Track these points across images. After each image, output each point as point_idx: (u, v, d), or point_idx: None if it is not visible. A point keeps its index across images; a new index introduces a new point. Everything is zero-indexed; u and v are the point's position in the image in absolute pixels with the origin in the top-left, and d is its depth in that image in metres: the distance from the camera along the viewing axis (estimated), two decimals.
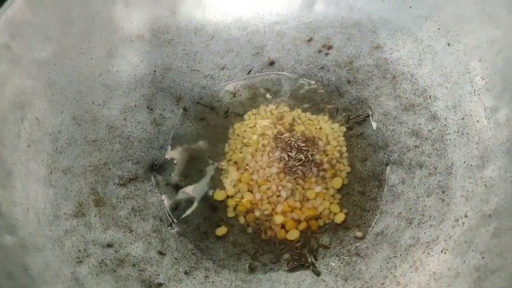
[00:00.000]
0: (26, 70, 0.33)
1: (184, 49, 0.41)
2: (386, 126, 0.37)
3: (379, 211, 0.33)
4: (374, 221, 0.33)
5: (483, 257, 0.26)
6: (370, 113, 0.38)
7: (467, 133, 0.33)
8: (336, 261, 0.31)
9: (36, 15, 0.33)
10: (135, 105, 0.39)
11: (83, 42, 0.37)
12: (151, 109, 0.39)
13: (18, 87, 0.32)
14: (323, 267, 0.31)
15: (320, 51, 0.41)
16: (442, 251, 0.29)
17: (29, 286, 0.26)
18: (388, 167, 0.35)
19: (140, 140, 0.37)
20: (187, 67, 0.41)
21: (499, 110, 0.31)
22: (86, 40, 0.37)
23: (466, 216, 0.29)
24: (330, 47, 0.41)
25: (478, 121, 0.32)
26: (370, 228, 0.32)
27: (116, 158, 0.36)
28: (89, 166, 0.35)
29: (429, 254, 0.29)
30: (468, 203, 0.30)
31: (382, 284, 0.29)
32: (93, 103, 0.37)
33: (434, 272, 0.27)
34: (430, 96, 0.36)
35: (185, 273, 0.31)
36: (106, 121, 0.37)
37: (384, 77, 0.39)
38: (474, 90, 0.33)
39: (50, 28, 0.35)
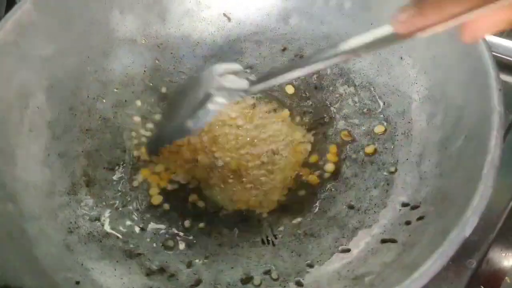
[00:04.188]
0: (31, 65, 0.38)
1: (171, 53, 0.46)
2: (346, 128, 0.42)
3: (334, 199, 0.38)
4: (328, 207, 0.38)
5: (409, 235, 0.31)
6: (333, 115, 0.43)
7: (411, 135, 0.38)
8: (292, 240, 0.36)
9: (41, 17, 0.38)
10: (126, 100, 0.43)
11: (82, 43, 0.42)
12: (140, 104, 0.44)
13: (23, 79, 0.37)
14: (281, 244, 0.36)
15: (292, 60, 0.46)
16: (380, 233, 0.34)
17: (26, 246, 0.31)
18: (344, 162, 0.40)
19: (129, 131, 0.42)
20: (174, 68, 0.46)
21: (436, 115, 0.36)
22: (84, 41, 0.42)
23: (402, 203, 0.34)
24: (301, 57, 0.46)
25: (420, 124, 0.38)
26: (324, 213, 0.37)
27: (107, 146, 0.41)
28: (82, 151, 0.40)
29: (370, 234, 0.34)
30: (406, 193, 0.35)
31: (329, 259, 0.34)
32: (88, 96, 0.42)
33: (372, 249, 0.33)
34: (384, 102, 0.41)
35: (162, 245, 0.36)
36: (99, 113, 0.42)
37: (346, 85, 0.44)
38: (419, 98, 0.38)
39: (53, 29, 0.39)
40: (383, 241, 0.33)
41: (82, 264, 0.33)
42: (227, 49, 0.47)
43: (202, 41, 0.47)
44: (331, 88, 0.44)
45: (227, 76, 0.35)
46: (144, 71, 0.45)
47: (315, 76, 0.45)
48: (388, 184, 0.37)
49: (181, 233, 0.37)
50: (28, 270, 0.30)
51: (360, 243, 0.34)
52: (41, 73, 0.38)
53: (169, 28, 0.46)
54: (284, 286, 0.33)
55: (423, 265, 0.24)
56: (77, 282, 0.31)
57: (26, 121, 0.37)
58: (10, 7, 0.38)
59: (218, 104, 0.34)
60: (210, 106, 0.34)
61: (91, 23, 0.42)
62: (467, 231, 0.24)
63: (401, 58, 0.41)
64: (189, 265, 0.35)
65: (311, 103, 0.44)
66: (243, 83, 0.34)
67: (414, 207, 0.33)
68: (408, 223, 0.33)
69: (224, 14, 0.46)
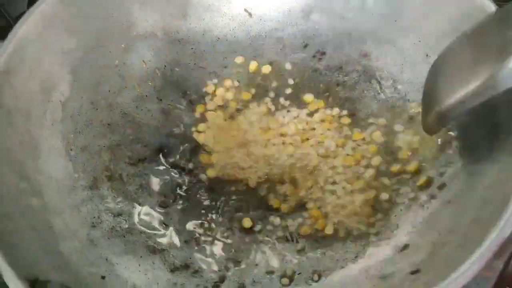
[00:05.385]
0: (54, 58, 0.38)
1: (192, 48, 0.46)
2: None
3: None
4: None
5: (439, 234, 0.30)
6: (356, 112, 0.42)
7: None
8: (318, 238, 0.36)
9: (65, 10, 0.38)
10: (146, 95, 0.43)
11: (103, 37, 0.41)
12: (160, 100, 0.43)
13: (46, 72, 0.37)
14: (306, 242, 0.36)
15: (314, 56, 0.46)
16: (408, 233, 0.33)
17: (51, 240, 0.31)
18: None
19: (149, 126, 0.42)
20: (194, 64, 0.45)
21: None
22: (106, 35, 0.42)
23: (430, 201, 0.34)
24: (323, 53, 0.46)
25: None
26: None
27: (128, 140, 0.41)
28: (104, 146, 0.40)
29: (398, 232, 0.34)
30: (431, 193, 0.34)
31: (356, 257, 0.34)
32: (109, 91, 0.42)
33: (398, 246, 0.32)
34: (408, 99, 0.41)
35: (185, 241, 0.36)
36: (120, 107, 0.42)
37: (369, 82, 0.43)
38: None
39: (76, 22, 0.39)
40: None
41: (106, 259, 0.33)
42: (248, 45, 0.46)
43: (223, 37, 0.46)
44: (354, 85, 0.43)
45: None
46: (165, 66, 0.45)
47: (337, 72, 0.44)
48: (414, 183, 0.36)
49: (204, 229, 0.37)
50: (54, 265, 0.29)
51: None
52: (64, 66, 0.38)
53: (190, 23, 0.46)
54: (310, 285, 0.32)
55: (460, 267, 0.23)
56: (103, 277, 0.31)
57: (49, 114, 0.37)
58: (32, 1, 0.38)
59: None
60: None
61: (112, 17, 0.42)
62: (507, 231, 0.24)
63: (427, 55, 0.40)
64: (214, 261, 0.35)
65: (331, 100, 0.43)
66: None
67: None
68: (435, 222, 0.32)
69: (245, 10, 0.46)
